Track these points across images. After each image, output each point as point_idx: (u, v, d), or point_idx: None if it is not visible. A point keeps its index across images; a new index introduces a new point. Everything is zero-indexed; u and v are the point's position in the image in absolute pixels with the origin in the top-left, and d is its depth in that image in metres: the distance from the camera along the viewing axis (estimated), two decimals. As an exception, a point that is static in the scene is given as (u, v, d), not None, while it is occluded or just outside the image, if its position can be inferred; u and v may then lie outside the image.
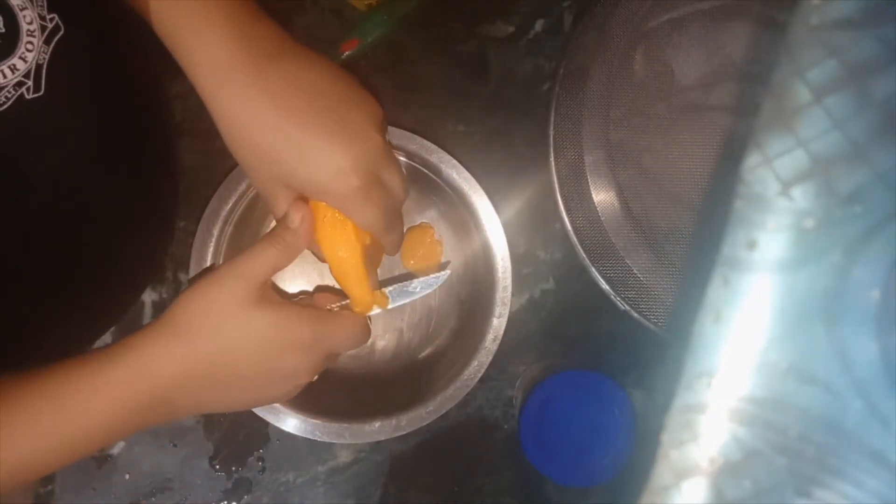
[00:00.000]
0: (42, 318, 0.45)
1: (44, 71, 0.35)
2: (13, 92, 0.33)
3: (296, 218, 0.40)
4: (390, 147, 0.41)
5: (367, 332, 0.44)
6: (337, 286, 0.44)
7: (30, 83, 0.34)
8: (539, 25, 0.58)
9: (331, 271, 0.43)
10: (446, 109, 0.57)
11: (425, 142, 0.52)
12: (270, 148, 0.37)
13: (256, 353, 0.38)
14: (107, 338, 0.55)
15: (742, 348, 0.21)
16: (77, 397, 0.36)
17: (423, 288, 0.46)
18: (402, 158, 0.53)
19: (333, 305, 0.44)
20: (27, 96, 0.34)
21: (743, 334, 0.21)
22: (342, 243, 0.41)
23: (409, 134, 0.52)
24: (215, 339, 0.38)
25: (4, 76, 0.33)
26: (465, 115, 0.57)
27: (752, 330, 0.21)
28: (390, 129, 0.52)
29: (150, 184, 0.53)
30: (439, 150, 0.52)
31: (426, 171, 0.53)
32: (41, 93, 0.35)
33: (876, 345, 0.20)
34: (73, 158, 0.40)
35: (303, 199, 0.41)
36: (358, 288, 0.42)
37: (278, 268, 0.40)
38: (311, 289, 0.55)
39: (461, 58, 0.58)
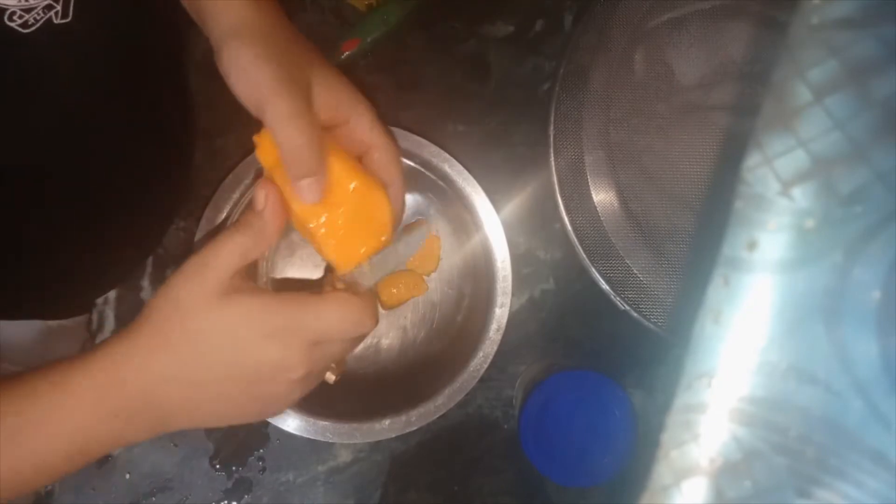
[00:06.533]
0: (63, 247, 0.45)
1: None
2: (42, 14, 0.34)
3: (260, 198, 0.36)
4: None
5: (366, 312, 0.37)
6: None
7: (58, 7, 0.34)
8: (539, 25, 0.58)
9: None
10: (446, 109, 0.57)
11: (425, 141, 0.52)
12: None
13: (231, 349, 0.35)
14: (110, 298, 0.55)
15: (742, 348, 0.21)
16: (50, 404, 0.34)
17: (406, 249, 0.41)
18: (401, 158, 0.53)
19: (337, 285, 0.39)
20: (55, 21, 0.34)
21: (743, 334, 0.21)
22: (310, 215, 0.37)
23: (409, 134, 0.52)
24: (186, 338, 0.35)
25: None
26: (465, 115, 0.57)
27: (752, 330, 0.21)
28: (389, 127, 0.52)
29: (169, 127, 0.53)
30: (439, 149, 0.52)
31: (426, 170, 0.53)
32: (69, 19, 0.35)
33: (876, 345, 0.20)
34: (94, 89, 0.40)
35: (270, 180, 0.37)
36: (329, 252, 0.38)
37: (248, 257, 0.36)
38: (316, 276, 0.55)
39: (461, 58, 0.58)
